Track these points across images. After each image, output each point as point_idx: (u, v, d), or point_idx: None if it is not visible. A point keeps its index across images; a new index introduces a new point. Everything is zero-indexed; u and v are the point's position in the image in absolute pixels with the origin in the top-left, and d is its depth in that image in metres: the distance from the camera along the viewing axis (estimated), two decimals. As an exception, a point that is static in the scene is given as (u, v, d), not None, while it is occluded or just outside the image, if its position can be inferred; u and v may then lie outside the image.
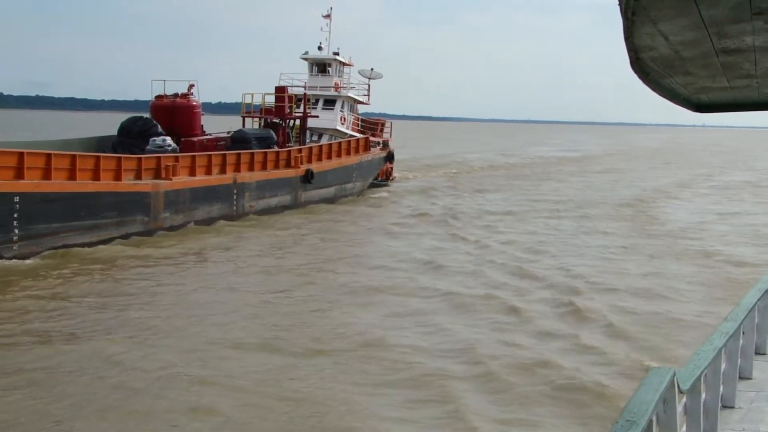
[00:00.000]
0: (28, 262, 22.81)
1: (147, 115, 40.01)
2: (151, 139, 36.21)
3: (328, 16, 49.65)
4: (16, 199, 23.12)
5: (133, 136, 37.16)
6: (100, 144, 38.11)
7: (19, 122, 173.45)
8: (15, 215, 23.10)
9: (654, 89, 5.32)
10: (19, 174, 23.65)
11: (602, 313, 18.29)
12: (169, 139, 36.37)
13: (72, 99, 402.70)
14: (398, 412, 12.16)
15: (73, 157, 25.96)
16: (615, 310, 18.61)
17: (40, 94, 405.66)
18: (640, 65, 4.50)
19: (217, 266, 23.72)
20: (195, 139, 38.86)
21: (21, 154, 24.06)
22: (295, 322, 17.10)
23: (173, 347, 15.07)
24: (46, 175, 24.59)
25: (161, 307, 18.28)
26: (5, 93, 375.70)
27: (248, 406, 12.22)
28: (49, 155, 25.06)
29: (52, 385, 12.88)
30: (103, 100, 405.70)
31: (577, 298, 19.76)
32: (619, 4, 3.40)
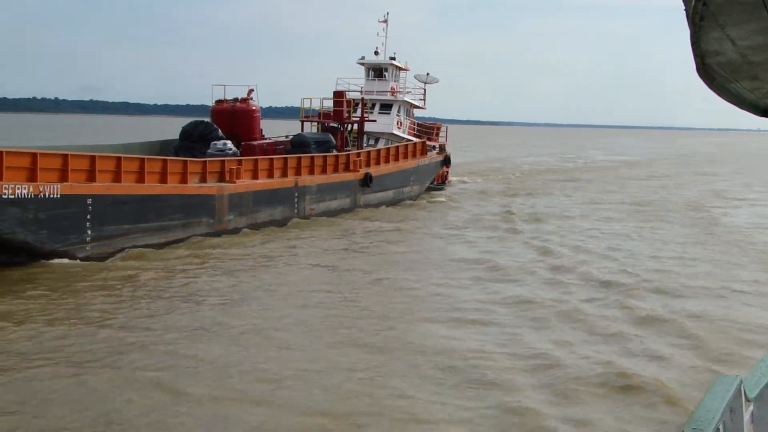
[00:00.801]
0: (100, 262, 23.39)
1: (206, 119, 40.75)
2: (212, 143, 36.90)
3: (384, 21, 50.15)
4: (89, 201, 23.75)
5: (194, 140, 37.88)
6: (163, 148, 38.87)
7: (75, 126, 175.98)
8: (88, 217, 23.72)
9: (719, 94, 5.26)
10: (91, 177, 24.29)
11: (680, 318, 18.32)
12: (229, 143, 37.00)
13: (126, 103, 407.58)
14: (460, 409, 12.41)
15: (142, 160, 26.57)
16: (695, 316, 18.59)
17: (94, 99, 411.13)
18: (706, 70, 4.48)
19: (283, 266, 24.14)
20: (255, 143, 39.47)
21: (93, 157, 24.70)
22: (367, 325, 17.34)
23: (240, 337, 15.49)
24: (117, 177, 25.20)
25: (234, 305, 18.70)
26: (60, 98, 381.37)
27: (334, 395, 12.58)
28: (119, 158, 25.68)
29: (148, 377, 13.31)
30: (155, 105, 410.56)
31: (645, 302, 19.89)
32: (686, 10, 3.47)
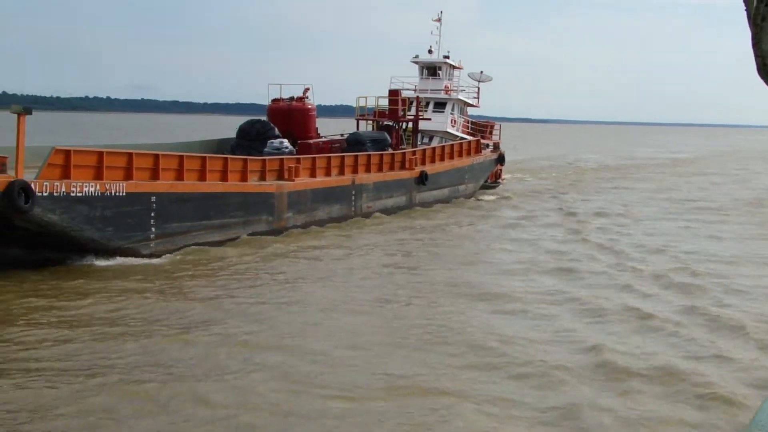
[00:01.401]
0: (162, 259, 23.79)
1: (263, 117, 41.14)
2: (268, 141, 37.24)
3: (438, 19, 50.14)
4: (153, 198, 24.15)
5: (250, 139, 38.26)
6: (221, 146, 39.34)
7: (128, 125, 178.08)
8: (152, 214, 24.12)
9: None
10: (154, 175, 24.69)
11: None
12: (286, 142, 37.35)
13: (176, 102, 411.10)
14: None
15: (203, 159, 26.93)
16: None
17: (146, 98, 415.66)
18: (767, 71, 4.52)
19: (344, 263, 24.38)
20: (311, 141, 39.83)
21: (156, 156, 25.10)
22: (426, 325, 17.43)
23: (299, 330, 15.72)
24: (179, 176, 25.58)
25: (299, 300, 18.95)
26: (113, 96, 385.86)
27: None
28: (181, 157, 26.06)
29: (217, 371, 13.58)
30: (205, 103, 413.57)
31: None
32: (747, 11, 3.49)
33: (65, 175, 21.95)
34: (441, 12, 50.14)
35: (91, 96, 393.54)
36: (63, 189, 21.44)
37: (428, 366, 14.19)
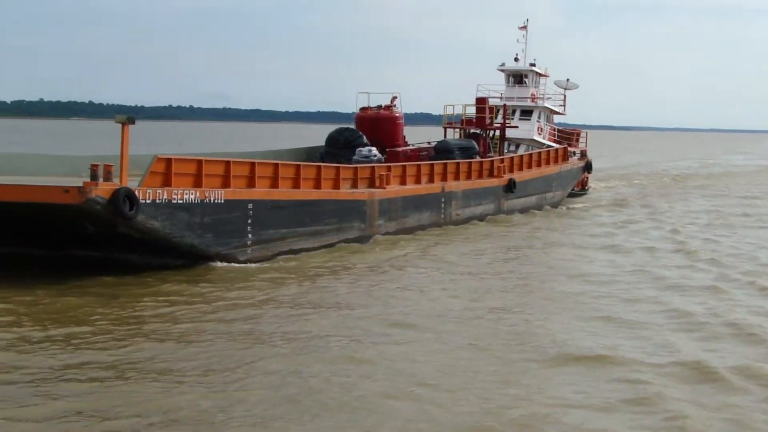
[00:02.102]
0: (260, 265, 24.22)
1: (351, 125, 41.66)
2: (357, 149, 37.71)
3: (524, 27, 50.22)
4: (250, 206, 24.60)
5: (339, 147, 38.85)
6: (309, 154, 39.92)
7: (211, 133, 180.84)
8: (249, 221, 24.57)
9: None
10: (251, 182, 25.13)
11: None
12: (374, 150, 37.79)
13: (258, 111, 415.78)
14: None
15: (298, 167, 27.38)
16: None
17: (228, 107, 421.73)
18: None
19: (438, 270, 24.58)
20: (399, 149, 40.20)
21: (252, 164, 25.56)
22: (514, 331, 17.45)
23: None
24: (274, 183, 26.01)
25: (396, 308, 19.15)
26: (195, 105, 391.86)
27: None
28: (276, 165, 26.52)
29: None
30: (286, 111, 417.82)
31: None
32: None
33: (166, 182, 22.44)
34: (527, 20, 50.30)
35: (174, 105, 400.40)
36: (165, 196, 21.94)
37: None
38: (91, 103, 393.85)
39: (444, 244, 29.82)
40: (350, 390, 13.15)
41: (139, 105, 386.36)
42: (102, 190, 20.39)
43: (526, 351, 15.68)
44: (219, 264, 23.52)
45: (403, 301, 20.06)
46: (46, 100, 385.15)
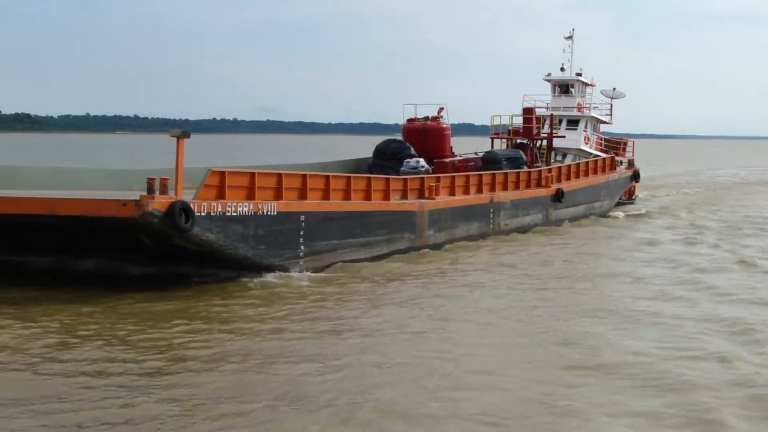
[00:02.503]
0: (314, 275, 24.43)
1: (398, 136, 41.89)
2: (405, 160, 37.91)
3: (569, 37, 50.25)
4: (302, 217, 24.83)
5: (387, 158, 39.09)
6: (357, 166, 40.18)
7: (255, 146, 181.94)
8: (301, 233, 24.81)
9: None
10: (302, 195, 25.38)
11: None
12: (422, 161, 37.99)
13: (300, 123, 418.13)
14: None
15: (348, 178, 27.60)
16: None
17: (271, 119, 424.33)
18: None
19: (490, 280, 24.68)
20: (447, 160, 40.34)
21: (304, 176, 25.82)
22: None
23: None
24: (325, 195, 26.24)
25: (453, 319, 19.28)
26: (239, 119, 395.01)
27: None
28: (327, 177, 26.74)
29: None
30: (329, 123, 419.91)
31: None
32: None
33: (220, 195, 22.71)
34: (573, 30, 50.30)
35: (218, 118, 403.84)
36: (219, 209, 22.21)
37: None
38: (136, 117, 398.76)
39: (501, 252, 30.19)
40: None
41: (183, 118, 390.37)
42: (158, 204, 20.69)
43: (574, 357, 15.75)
44: (270, 275, 23.78)
45: (472, 300, 20.76)
46: (92, 114, 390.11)
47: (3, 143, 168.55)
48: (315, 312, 19.83)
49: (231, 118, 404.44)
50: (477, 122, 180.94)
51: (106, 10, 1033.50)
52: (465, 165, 39.98)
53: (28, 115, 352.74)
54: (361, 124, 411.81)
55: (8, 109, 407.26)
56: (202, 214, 21.69)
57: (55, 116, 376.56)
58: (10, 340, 16.42)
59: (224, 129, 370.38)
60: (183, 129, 22.05)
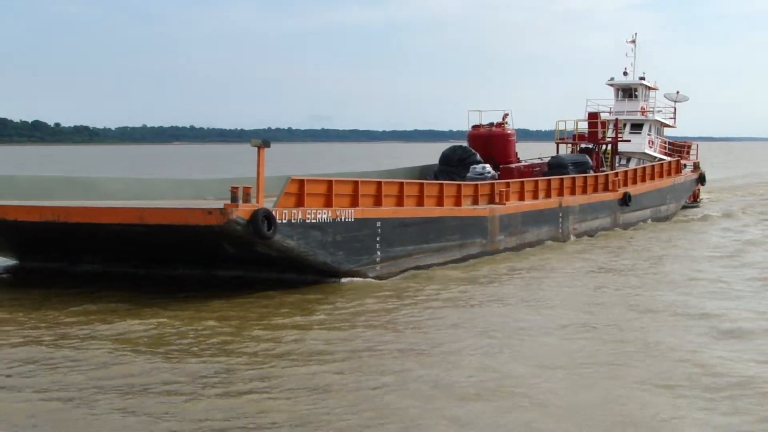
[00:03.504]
0: (390, 280, 24.86)
1: (463, 143, 42.22)
2: (471, 166, 38.23)
3: (632, 41, 50.25)
4: (378, 224, 25.28)
5: (453, 165, 39.44)
6: (423, 172, 40.59)
7: (310, 154, 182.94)
8: (377, 239, 25.25)
9: None
10: (377, 201, 25.82)
11: None
12: (488, 167, 38.31)
13: (355, 131, 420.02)
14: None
15: (421, 185, 28.01)
16: None
17: (325, 128, 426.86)
18: None
19: (568, 282, 24.93)
20: (513, 165, 40.61)
21: (379, 183, 26.26)
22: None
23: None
24: (399, 202, 26.65)
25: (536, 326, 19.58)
26: (293, 128, 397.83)
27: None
28: (401, 184, 27.18)
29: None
30: (383, 131, 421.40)
31: None
32: None
33: (299, 203, 23.19)
34: (635, 33, 50.49)
35: (273, 127, 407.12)
36: (300, 216, 22.71)
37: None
38: (192, 127, 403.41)
39: (577, 255, 30.62)
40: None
41: (239, 128, 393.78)
42: (242, 212, 21.23)
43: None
44: (356, 279, 24.33)
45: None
46: (148, 125, 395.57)
47: (65, 155, 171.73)
48: (419, 310, 20.68)
49: (286, 127, 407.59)
50: (532, 128, 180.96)
51: (158, 21, 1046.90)
52: (531, 170, 40.23)
53: (86, 128, 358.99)
54: (414, 131, 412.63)
55: (68, 122, 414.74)
56: (284, 221, 22.19)
57: (113, 128, 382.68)
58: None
59: (279, 138, 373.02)
60: (264, 139, 22.61)
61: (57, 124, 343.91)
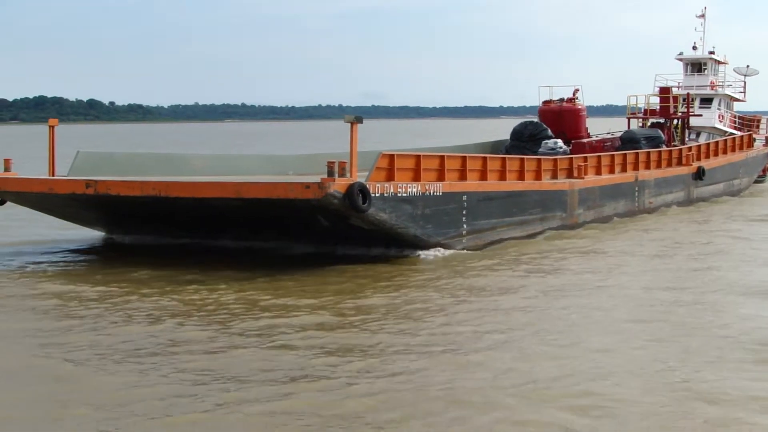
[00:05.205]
0: (477, 252, 25.40)
1: (534, 119, 42.50)
2: (543, 142, 38.52)
3: (702, 15, 49.99)
4: (464, 197, 25.79)
5: (524, 140, 39.70)
6: (495, 147, 40.97)
7: (361, 131, 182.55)
8: (463, 212, 25.77)
9: None
10: (462, 176, 26.30)
11: None
12: (560, 142, 38.61)
13: (406, 107, 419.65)
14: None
15: (503, 159, 28.45)
16: None
17: (376, 104, 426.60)
18: None
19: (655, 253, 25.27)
20: (584, 140, 40.82)
21: (464, 158, 26.74)
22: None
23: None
24: (482, 176, 27.13)
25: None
26: (344, 105, 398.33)
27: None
28: (485, 159, 27.64)
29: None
30: (434, 107, 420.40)
31: None
32: None
33: (390, 177, 23.73)
34: (705, 8, 50.00)
35: (323, 105, 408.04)
36: (391, 190, 23.27)
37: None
38: (243, 105, 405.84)
39: (655, 228, 30.95)
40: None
41: (290, 105, 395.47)
42: (339, 185, 21.82)
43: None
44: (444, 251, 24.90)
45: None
46: (200, 103, 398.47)
47: (120, 133, 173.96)
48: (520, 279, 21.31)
49: (336, 104, 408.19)
50: (596, 104, 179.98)
51: (209, 7, 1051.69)
52: (602, 145, 40.40)
53: (140, 106, 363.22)
54: (465, 107, 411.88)
55: (122, 101, 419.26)
56: (377, 195, 22.77)
57: (166, 106, 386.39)
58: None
59: (330, 115, 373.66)
60: (357, 115, 23.15)
61: (111, 103, 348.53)
